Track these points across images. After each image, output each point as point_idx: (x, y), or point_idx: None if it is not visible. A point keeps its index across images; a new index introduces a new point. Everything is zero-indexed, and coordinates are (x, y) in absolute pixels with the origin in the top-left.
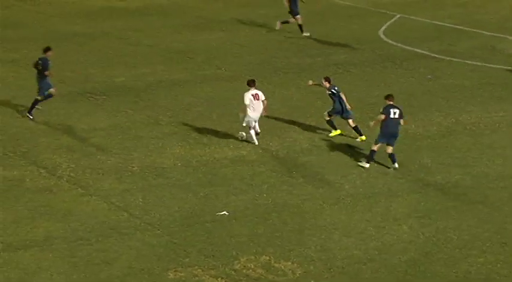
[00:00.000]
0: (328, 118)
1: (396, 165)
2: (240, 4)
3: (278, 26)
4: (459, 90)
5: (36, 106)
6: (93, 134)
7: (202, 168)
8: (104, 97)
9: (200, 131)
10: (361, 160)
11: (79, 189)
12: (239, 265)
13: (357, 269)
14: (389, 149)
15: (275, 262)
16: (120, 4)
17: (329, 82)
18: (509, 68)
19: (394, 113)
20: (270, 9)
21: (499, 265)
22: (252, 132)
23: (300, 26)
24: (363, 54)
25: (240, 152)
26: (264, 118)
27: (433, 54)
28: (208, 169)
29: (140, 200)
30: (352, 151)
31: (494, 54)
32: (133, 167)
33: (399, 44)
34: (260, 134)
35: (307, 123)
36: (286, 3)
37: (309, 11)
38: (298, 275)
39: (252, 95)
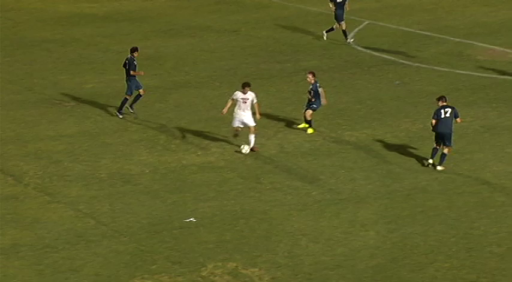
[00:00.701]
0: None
1: (439, 168)
2: (209, 10)
3: (325, 36)
4: (427, 96)
5: (125, 105)
6: (60, 141)
7: (170, 175)
8: (73, 104)
9: (169, 137)
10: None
11: (46, 196)
12: (206, 272)
13: (324, 275)
14: (445, 150)
15: (242, 268)
16: (89, 10)
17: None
18: (477, 73)
19: (446, 113)
20: (239, 15)
21: (464, 270)
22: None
23: (344, 32)
24: (332, 60)
25: (208, 159)
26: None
27: (401, 60)
28: (177, 176)
29: (107, 207)
30: (319, 157)
31: (462, 60)
32: (100, 174)
33: (368, 50)
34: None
35: (276, 129)
36: (332, 7)
37: (278, 17)
38: (265, 281)
39: (243, 98)
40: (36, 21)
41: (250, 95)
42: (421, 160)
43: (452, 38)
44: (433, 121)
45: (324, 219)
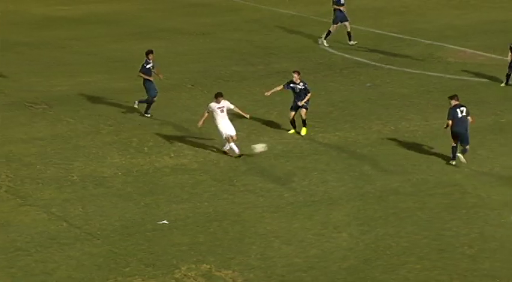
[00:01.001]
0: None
1: (462, 159)
2: (181, 13)
3: (325, 43)
4: (398, 98)
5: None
6: (32, 144)
7: (143, 177)
8: (45, 106)
9: (141, 139)
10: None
11: (18, 199)
12: (179, 274)
13: (297, 277)
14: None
15: (216, 270)
16: (60, 13)
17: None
18: (448, 75)
19: (461, 112)
20: (211, 18)
21: (436, 271)
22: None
23: (349, 33)
24: (304, 62)
25: (181, 161)
26: (205, 127)
27: (372, 63)
28: (149, 178)
29: (80, 209)
30: (292, 159)
31: (433, 63)
32: (73, 176)
33: (339, 53)
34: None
35: (248, 131)
36: (339, 7)
37: (250, 19)
38: None
39: (219, 107)
40: (9, 24)
41: (224, 103)
42: (392, 161)
43: (423, 41)
44: (449, 122)
45: (296, 221)
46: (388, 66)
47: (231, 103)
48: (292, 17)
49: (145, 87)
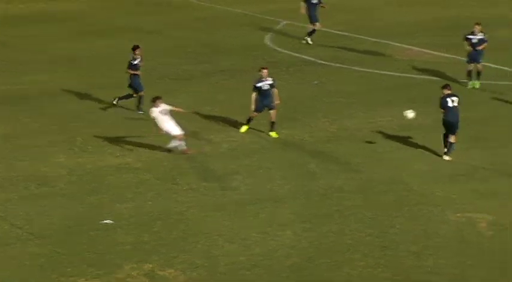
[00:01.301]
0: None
1: (446, 157)
2: (129, 11)
3: (309, 40)
4: (346, 96)
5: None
6: None
7: (86, 177)
8: None
9: (85, 139)
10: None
11: None
12: (122, 274)
13: (240, 275)
14: (452, 138)
15: (159, 270)
16: (4, 12)
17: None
18: (395, 73)
19: (453, 101)
20: (158, 16)
21: (379, 269)
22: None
23: (312, 32)
24: (251, 60)
25: (125, 160)
26: (148, 125)
27: (320, 61)
28: (93, 177)
29: (22, 209)
30: (237, 158)
31: (380, 60)
32: (16, 176)
33: (286, 51)
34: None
35: (193, 129)
36: (303, 11)
37: (197, 17)
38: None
39: (160, 111)
40: None
41: (163, 105)
42: (338, 159)
43: (370, 39)
44: (442, 111)
45: (240, 219)
46: (335, 64)
47: (167, 104)
48: (238, 15)
49: (132, 83)
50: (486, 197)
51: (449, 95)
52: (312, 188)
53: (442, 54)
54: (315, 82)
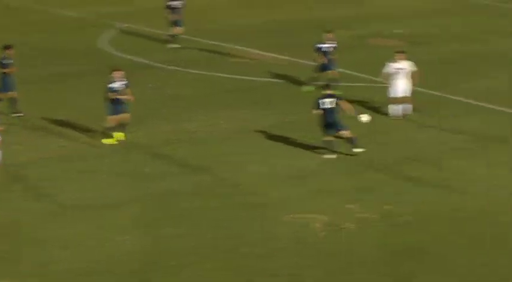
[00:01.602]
0: None
1: (356, 150)
2: None
3: (175, 45)
4: (183, 99)
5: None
6: None
7: None
8: None
9: None
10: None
11: None
12: None
13: None
14: (345, 134)
15: None
16: None
17: None
18: (233, 76)
19: (331, 103)
20: None
21: (220, 272)
22: None
23: (174, 36)
24: (85, 65)
25: None
26: None
27: (156, 64)
28: None
29: None
30: (74, 163)
31: (218, 63)
32: None
33: (121, 54)
34: None
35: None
36: (168, 15)
37: (26, 21)
38: None
39: None
40: None
41: None
42: (175, 162)
43: (208, 41)
44: (319, 111)
45: (77, 226)
46: (172, 67)
47: None
48: (72, 18)
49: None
50: (322, 196)
51: (326, 96)
52: (149, 192)
53: (280, 56)
54: (150, 85)
